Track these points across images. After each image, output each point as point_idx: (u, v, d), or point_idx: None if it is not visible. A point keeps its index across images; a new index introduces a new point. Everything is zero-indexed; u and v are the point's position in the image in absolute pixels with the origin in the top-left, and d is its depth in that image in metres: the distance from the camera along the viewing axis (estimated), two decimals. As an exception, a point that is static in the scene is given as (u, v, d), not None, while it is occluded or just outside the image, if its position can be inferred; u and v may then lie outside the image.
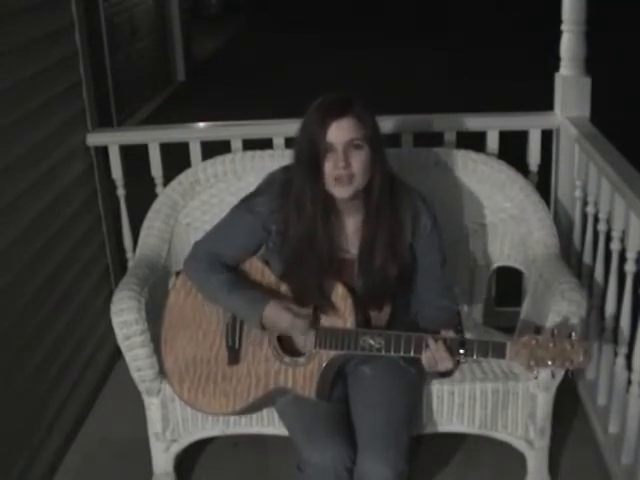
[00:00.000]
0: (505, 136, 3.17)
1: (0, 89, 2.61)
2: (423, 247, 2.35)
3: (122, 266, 3.45)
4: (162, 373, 2.49)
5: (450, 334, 2.18)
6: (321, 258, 2.23)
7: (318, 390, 2.25)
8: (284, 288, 2.32)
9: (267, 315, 2.24)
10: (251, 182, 2.66)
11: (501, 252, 2.87)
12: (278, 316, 2.24)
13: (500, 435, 2.56)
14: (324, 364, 2.25)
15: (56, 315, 2.95)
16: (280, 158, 2.83)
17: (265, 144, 3.09)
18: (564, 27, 3.03)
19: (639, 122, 6.32)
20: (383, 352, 2.20)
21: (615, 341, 2.69)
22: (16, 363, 2.66)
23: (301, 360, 2.28)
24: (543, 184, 3.13)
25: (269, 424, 2.53)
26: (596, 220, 2.83)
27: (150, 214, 2.87)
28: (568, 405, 2.93)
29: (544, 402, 2.50)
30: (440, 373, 2.26)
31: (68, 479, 2.85)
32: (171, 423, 2.58)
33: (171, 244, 2.83)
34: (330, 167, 2.15)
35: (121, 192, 3.35)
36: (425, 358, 2.18)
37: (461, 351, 2.16)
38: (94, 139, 3.30)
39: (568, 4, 2.99)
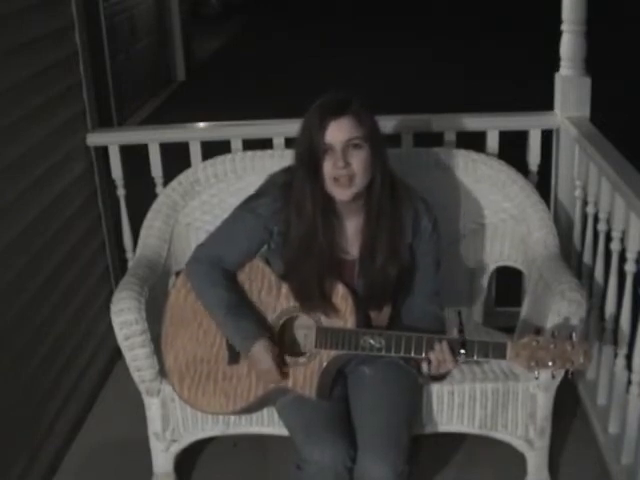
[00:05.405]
0: (505, 136, 3.17)
1: (0, 89, 2.61)
2: (421, 249, 2.34)
3: (122, 266, 3.45)
4: (162, 373, 2.49)
5: (451, 334, 2.18)
6: (321, 259, 2.23)
7: (318, 390, 2.25)
8: (285, 288, 2.31)
9: (253, 352, 2.24)
10: (251, 182, 2.66)
11: (501, 252, 2.87)
12: (260, 358, 2.23)
13: (500, 435, 2.56)
14: (324, 364, 2.25)
15: (56, 315, 2.95)
16: (280, 158, 2.83)
17: (265, 144, 3.09)
18: (564, 27, 3.03)
19: (639, 122, 6.32)
20: (384, 352, 2.19)
21: (615, 341, 2.69)
22: (16, 363, 2.66)
23: (302, 360, 2.27)
24: (543, 184, 3.13)
25: (269, 424, 2.53)
26: (596, 220, 2.83)
27: (150, 214, 2.87)
28: (568, 405, 2.93)
29: (544, 402, 2.50)
30: (434, 377, 2.27)
31: (68, 479, 2.85)
32: (171, 423, 2.58)
33: (171, 244, 2.83)
34: (329, 167, 2.14)
35: (121, 192, 3.35)
36: (428, 359, 2.17)
37: (462, 351, 2.15)
38: (94, 139, 3.30)
39: (568, 4, 2.99)
